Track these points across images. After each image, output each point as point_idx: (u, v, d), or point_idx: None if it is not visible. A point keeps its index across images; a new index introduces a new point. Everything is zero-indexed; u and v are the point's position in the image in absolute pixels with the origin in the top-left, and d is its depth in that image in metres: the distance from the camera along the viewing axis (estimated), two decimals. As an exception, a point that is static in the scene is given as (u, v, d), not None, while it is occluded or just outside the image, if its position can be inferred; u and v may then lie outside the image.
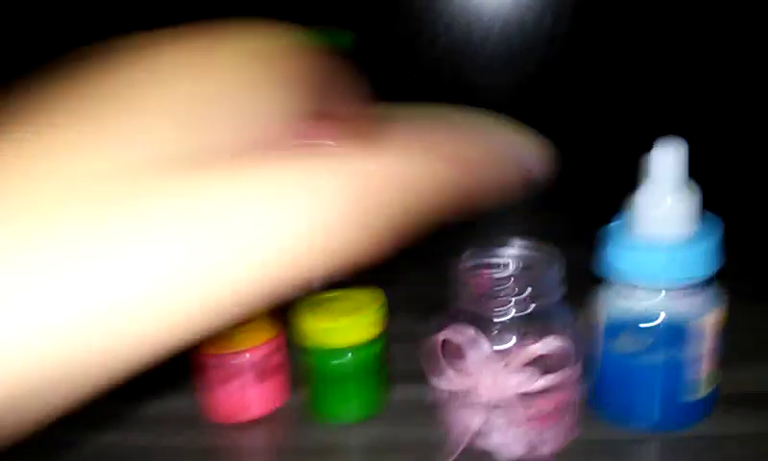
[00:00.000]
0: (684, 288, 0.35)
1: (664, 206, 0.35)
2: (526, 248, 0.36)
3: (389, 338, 0.41)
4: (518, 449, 0.35)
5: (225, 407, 0.41)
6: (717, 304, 0.36)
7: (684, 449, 0.36)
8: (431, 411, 0.38)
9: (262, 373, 0.40)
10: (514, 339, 0.34)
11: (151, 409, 0.43)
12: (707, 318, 0.35)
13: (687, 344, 0.35)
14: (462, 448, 0.35)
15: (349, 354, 0.39)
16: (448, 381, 0.35)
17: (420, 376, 0.38)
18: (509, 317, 0.34)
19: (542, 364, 0.33)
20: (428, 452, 0.36)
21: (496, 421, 0.34)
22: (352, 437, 0.39)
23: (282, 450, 0.40)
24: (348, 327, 0.38)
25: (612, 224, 0.37)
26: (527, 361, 0.33)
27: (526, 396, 0.34)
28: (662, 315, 0.35)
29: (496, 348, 0.33)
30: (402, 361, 0.42)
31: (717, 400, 0.38)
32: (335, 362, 0.39)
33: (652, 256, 0.35)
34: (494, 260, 0.36)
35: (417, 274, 0.52)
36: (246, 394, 0.40)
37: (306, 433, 0.40)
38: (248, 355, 0.40)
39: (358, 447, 0.39)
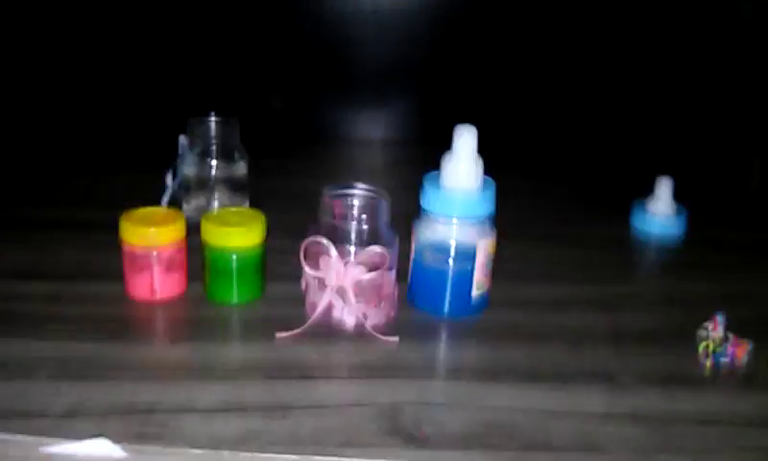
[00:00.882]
0: (469, 223, 0.53)
1: (459, 168, 0.52)
2: (367, 189, 0.53)
3: (269, 247, 0.56)
4: (354, 324, 0.52)
5: (140, 289, 0.55)
6: (489, 236, 0.54)
7: (467, 329, 0.54)
8: (297, 299, 0.54)
9: (169, 265, 0.54)
10: (353, 246, 0.50)
11: (84, 287, 0.57)
12: (482, 243, 0.53)
13: (469, 260, 0.53)
14: (313, 320, 0.51)
15: (234, 256, 0.54)
16: (308, 274, 0.51)
17: (290, 276, 0.54)
18: (352, 231, 0.50)
19: (371, 264, 0.50)
20: (292, 325, 0.52)
21: (338, 302, 0.51)
22: (235, 314, 0.55)
23: (183, 323, 0.54)
24: (237, 234, 0.53)
25: (428, 175, 0.54)
26: (360, 261, 0.50)
27: (358, 285, 0.50)
28: (453, 241, 0.53)
29: (341, 251, 0.50)
30: (279, 264, 0.57)
31: (491, 303, 0.56)
32: (226, 259, 0.54)
33: (449, 199, 0.52)
34: (346, 193, 0.52)
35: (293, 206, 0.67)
36: (155, 281, 0.54)
37: (201, 311, 0.55)
38: (155, 253, 0.53)
39: (240, 321, 0.54)
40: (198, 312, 0.55)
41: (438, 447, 0.41)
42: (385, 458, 0.40)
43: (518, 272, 0.63)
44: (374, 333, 0.51)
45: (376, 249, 0.50)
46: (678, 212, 0.73)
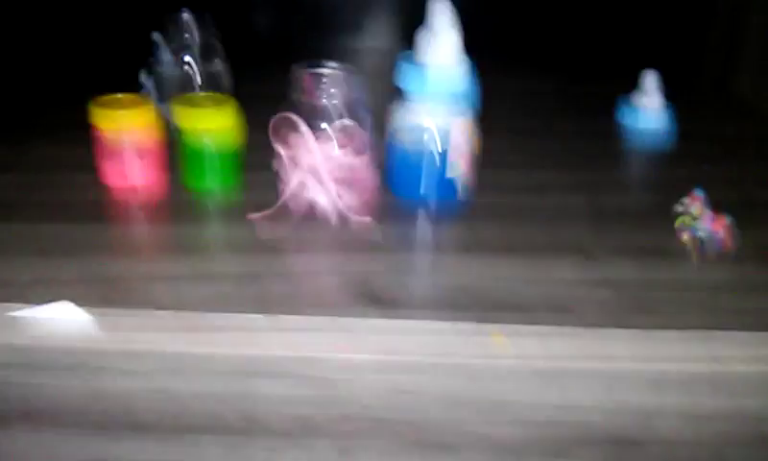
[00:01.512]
0: (444, 100, 0.52)
1: (433, 42, 0.51)
2: (340, 67, 0.52)
3: (247, 145, 0.55)
4: (327, 205, 0.51)
5: (113, 177, 0.54)
6: (465, 116, 0.53)
7: (442, 209, 0.53)
8: (273, 187, 0.53)
9: (141, 151, 0.54)
10: (325, 124, 0.49)
11: (58, 177, 0.56)
12: (457, 123, 0.52)
13: (444, 140, 0.52)
14: (284, 199, 0.50)
15: (207, 138, 0.53)
16: (281, 154, 0.50)
17: (267, 168, 0.53)
18: (324, 108, 0.49)
19: (344, 142, 0.49)
20: (267, 208, 0.51)
21: (311, 182, 0.50)
22: (209, 200, 0.54)
23: (156, 206, 0.54)
24: (211, 116, 0.52)
25: (404, 53, 0.53)
26: (333, 138, 0.49)
27: (332, 164, 0.50)
28: (427, 119, 0.52)
29: (314, 129, 0.49)
30: (256, 158, 0.56)
31: (470, 189, 0.55)
32: (201, 142, 0.53)
33: (423, 75, 0.51)
34: (320, 70, 0.51)
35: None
36: (128, 167, 0.54)
37: (176, 197, 0.54)
38: (126, 138, 0.53)
39: (214, 204, 0.54)
40: (172, 197, 0.54)
41: (406, 307, 0.41)
42: (353, 317, 0.40)
43: (500, 161, 0.62)
44: (348, 214, 0.51)
45: (347, 122, 0.49)
46: (663, 106, 0.72)
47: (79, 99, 0.54)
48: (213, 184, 0.55)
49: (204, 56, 0.67)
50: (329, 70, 0.51)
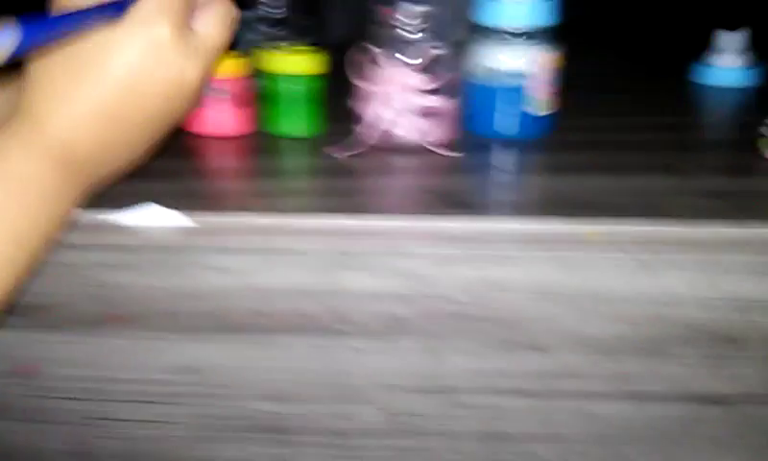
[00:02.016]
0: (528, 35, 0.52)
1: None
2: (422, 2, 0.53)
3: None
4: (413, 136, 0.52)
5: (208, 123, 0.56)
6: (548, 50, 0.53)
7: (531, 150, 0.53)
8: (355, 130, 0.54)
9: (237, 99, 0.56)
10: (405, 56, 0.50)
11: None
12: (539, 56, 0.52)
13: (530, 74, 0.52)
14: (367, 131, 0.51)
15: (295, 81, 0.55)
16: (361, 87, 0.52)
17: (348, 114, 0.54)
18: (404, 41, 0.51)
19: (423, 76, 0.50)
20: (352, 147, 0.52)
21: (389, 114, 0.51)
22: (297, 140, 0.56)
23: (246, 147, 0.56)
24: (298, 61, 0.54)
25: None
26: (412, 70, 0.50)
27: (418, 94, 0.50)
28: (510, 55, 0.52)
29: (401, 58, 0.50)
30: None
31: (557, 127, 0.55)
32: (290, 86, 0.55)
33: (501, 7, 0.52)
34: (399, 4, 0.52)
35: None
36: (224, 114, 0.56)
37: (264, 139, 0.56)
38: (226, 84, 0.55)
39: (301, 144, 0.55)
40: (260, 139, 0.56)
41: (494, 211, 0.41)
42: (437, 217, 0.40)
43: (581, 104, 0.61)
44: (428, 145, 0.51)
45: (430, 49, 0.50)
46: (745, 64, 0.70)
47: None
48: (299, 128, 0.56)
49: (290, 29, 0.70)
50: (408, 4, 0.52)
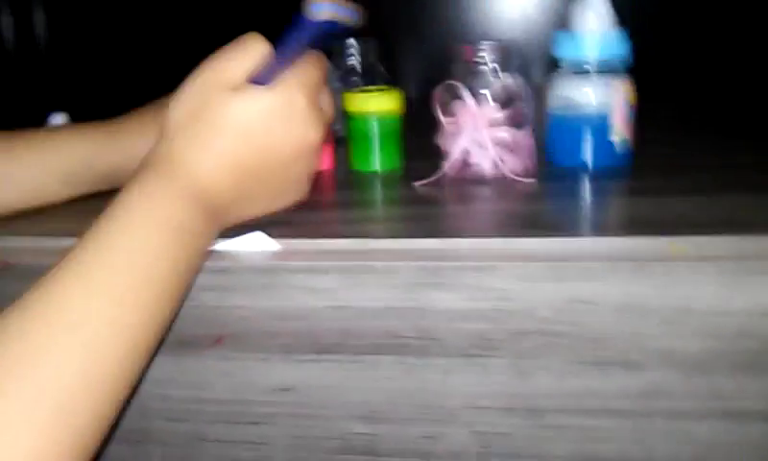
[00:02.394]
0: (605, 68, 0.53)
1: (588, 10, 0.53)
2: (500, 40, 0.55)
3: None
4: (494, 167, 0.53)
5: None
6: (626, 82, 0.53)
7: (610, 178, 0.54)
8: (437, 166, 0.56)
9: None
10: (487, 91, 0.52)
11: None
12: (617, 85, 0.53)
13: (607, 106, 0.53)
14: (451, 163, 0.53)
15: (376, 120, 0.57)
16: (444, 122, 0.54)
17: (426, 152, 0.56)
18: (484, 77, 0.53)
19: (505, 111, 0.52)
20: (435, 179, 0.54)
21: (474, 148, 0.53)
22: (377, 177, 0.58)
23: (335, 183, 0.58)
24: (376, 101, 0.57)
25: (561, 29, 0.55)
26: (493, 105, 0.52)
27: (498, 126, 0.52)
28: (589, 87, 0.53)
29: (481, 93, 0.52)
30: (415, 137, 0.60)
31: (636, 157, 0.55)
32: (369, 124, 0.57)
33: (580, 42, 0.53)
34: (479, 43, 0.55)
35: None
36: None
37: (348, 176, 0.59)
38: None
39: (386, 179, 0.57)
40: (345, 176, 0.59)
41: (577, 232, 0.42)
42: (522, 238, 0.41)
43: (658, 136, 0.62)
44: (512, 176, 0.52)
45: (509, 80, 0.51)
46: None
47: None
48: (381, 163, 0.58)
49: (368, 78, 0.73)
50: (488, 43, 0.55)
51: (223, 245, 0.44)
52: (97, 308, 0.33)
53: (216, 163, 0.40)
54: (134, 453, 0.47)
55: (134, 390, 0.36)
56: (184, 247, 0.38)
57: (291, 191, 0.45)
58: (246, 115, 0.40)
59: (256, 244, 0.44)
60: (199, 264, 0.40)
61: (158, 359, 0.45)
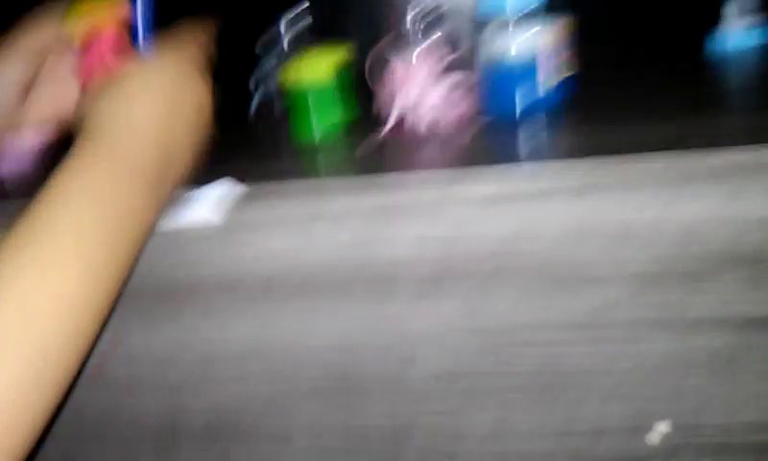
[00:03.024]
0: (533, 16, 0.54)
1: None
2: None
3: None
4: (438, 118, 0.54)
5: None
6: (552, 26, 0.55)
7: (547, 126, 0.55)
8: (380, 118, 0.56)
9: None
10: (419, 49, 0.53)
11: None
12: (544, 34, 0.54)
13: (532, 54, 0.54)
14: (389, 127, 0.54)
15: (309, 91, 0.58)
16: (377, 88, 0.54)
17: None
18: (416, 36, 0.54)
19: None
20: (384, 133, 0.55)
21: (422, 99, 0.54)
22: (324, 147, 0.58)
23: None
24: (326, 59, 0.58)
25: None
26: (427, 63, 0.52)
27: (438, 80, 0.53)
28: (520, 35, 0.54)
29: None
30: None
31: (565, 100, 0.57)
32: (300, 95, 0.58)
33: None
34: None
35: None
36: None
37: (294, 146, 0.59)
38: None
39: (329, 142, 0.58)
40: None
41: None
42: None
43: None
44: (452, 130, 0.53)
45: (439, 47, 0.52)
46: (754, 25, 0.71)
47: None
48: (323, 132, 0.59)
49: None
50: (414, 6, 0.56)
51: (192, 192, 0.46)
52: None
53: (139, 129, 0.41)
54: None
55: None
56: (130, 216, 0.39)
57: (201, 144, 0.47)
58: (154, 80, 0.44)
59: (225, 189, 0.46)
60: (148, 227, 0.41)
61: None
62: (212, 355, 0.47)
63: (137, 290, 0.45)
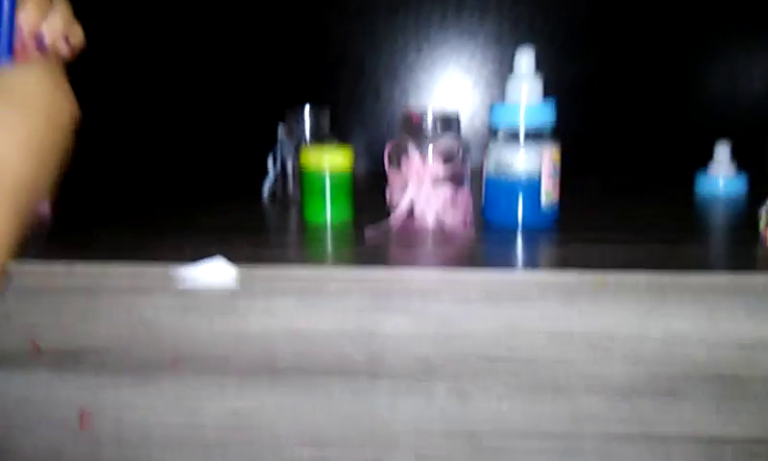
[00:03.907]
0: (533, 134, 0.59)
1: (520, 84, 0.60)
2: (443, 108, 0.61)
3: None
4: (431, 219, 0.58)
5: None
6: (553, 146, 0.60)
7: (541, 233, 0.59)
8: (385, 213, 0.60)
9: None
10: (431, 150, 0.58)
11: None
12: (546, 152, 0.59)
13: (537, 170, 0.59)
14: (397, 216, 0.58)
15: (327, 175, 0.62)
16: (392, 177, 0.58)
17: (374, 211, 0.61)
18: (429, 138, 0.58)
19: (447, 170, 0.57)
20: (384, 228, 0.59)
21: (419, 199, 0.58)
22: (328, 231, 0.62)
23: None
24: (329, 156, 0.62)
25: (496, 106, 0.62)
26: (437, 151, 0.57)
27: (437, 183, 0.57)
28: (522, 152, 0.59)
29: (421, 154, 0.57)
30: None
31: (561, 210, 0.61)
32: (319, 178, 0.62)
33: (512, 111, 0.59)
34: (424, 109, 0.60)
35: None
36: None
37: (301, 227, 0.62)
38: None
39: (333, 231, 0.61)
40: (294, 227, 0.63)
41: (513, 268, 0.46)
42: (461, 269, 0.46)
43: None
44: (453, 228, 0.57)
45: (450, 138, 0.57)
46: (738, 174, 0.77)
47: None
48: (333, 217, 0.62)
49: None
50: (432, 109, 0.61)
51: (183, 271, 0.47)
52: None
53: (12, 140, 0.39)
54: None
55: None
56: None
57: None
58: (31, 89, 0.40)
59: (217, 270, 0.47)
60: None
61: (113, 381, 0.46)
62: (186, 432, 0.47)
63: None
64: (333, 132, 0.80)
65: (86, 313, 0.46)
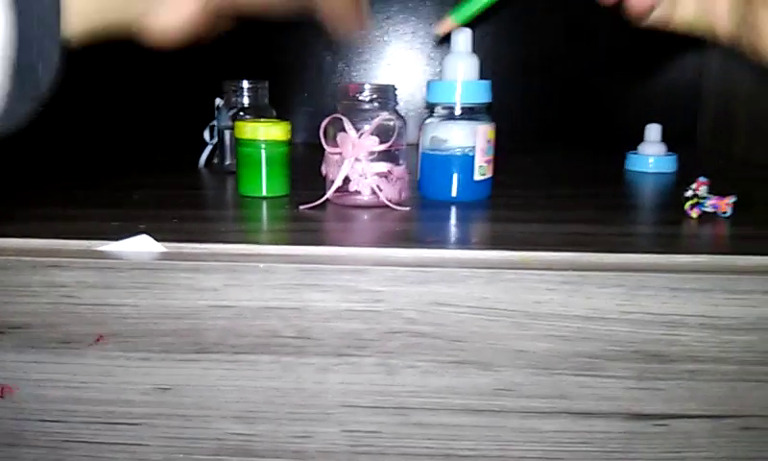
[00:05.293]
0: (469, 111, 0.60)
1: (457, 62, 0.60)
2: (381, 83, 0.61)
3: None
4: (367, 194, 0.58)
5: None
6: (488, 124, 0.60)
7: (474, 208, 0.60)
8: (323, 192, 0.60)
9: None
10: (366, 124, 0.57)
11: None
12: (482, 128, 0.60)
13: (471, 146, 0.59)
14: (332, 190, 0.57)
15: (263, 146, 0.61)
16: (328, 153, 0.58)
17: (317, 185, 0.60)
18: (365, 110, 0.58)
19: (383, 138, 0.57)
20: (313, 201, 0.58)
21: (354, 173, 0.57)
22: (265, 201, 0.61)
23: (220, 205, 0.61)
24: (265, 129, 0.61)
25: (432, 83, 0.62)
26: (372, 130, 0.57)
27: (375, 158, 0.57)
28: (457, 128, 0.60)
29: (357, 127, 0.57)
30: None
31: (494, 188, 0.62)
32: (254, 152, 0.61)
33: (448, 88, 0.60)
34: (362, 83, 0.60)
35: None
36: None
37: (236, 200, 0.62)
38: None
39: (269, 203, 0.61)
40: (229, 199, 0.62)
41: (443, 246, 0.47)
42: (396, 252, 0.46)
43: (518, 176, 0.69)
44: (388, 203, 0.57)
45: (386, 116, 0.57)
46: (668, 154, 0.79)
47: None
48: (268, 190, 0.62)
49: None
50: (369, 84, 0.60)
51: (107, 246, 0.46)
52: None
53: None
54: (6, 457, 0.47)
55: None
56: None
57: None
58: None
59: (141, 246, 0.46)
60: None
61: (36, 358, 0.45)
62: (107, 410, 0.47)
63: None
64: (274, 105, 0.79)
65: (8, 289, 0.45)
